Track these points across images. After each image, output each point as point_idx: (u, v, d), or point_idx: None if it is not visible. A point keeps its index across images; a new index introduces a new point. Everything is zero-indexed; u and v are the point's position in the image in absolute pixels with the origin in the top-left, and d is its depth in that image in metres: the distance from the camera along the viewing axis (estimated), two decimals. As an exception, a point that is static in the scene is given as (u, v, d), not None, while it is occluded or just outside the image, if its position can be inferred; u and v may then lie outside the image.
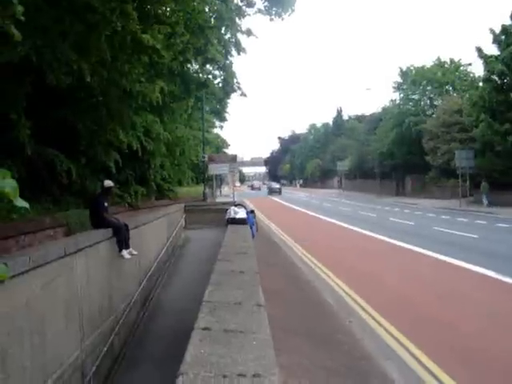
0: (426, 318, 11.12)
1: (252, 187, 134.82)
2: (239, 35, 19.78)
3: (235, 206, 18.64)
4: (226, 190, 76.03)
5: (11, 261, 5.72)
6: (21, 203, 2.47)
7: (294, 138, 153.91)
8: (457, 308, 11.88)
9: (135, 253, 11.23)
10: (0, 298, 5.41)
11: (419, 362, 8.52)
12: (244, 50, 21.00)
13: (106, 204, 11.05)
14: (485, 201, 42.25)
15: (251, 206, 29.59)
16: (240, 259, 7.62)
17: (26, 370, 5.97)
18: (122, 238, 10.72)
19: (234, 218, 16.47)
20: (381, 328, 10.55)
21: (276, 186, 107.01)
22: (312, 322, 10.81)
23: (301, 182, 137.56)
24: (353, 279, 14.77)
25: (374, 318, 11.22)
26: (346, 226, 31.37)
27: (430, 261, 17.74)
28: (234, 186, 45.73)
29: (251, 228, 16.01)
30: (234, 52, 23.22)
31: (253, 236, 14.80)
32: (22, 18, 6.74)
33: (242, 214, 16.92)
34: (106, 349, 9.33)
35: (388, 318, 11.03)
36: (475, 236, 23.58)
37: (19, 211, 12.62)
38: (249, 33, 18.13)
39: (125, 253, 10.64)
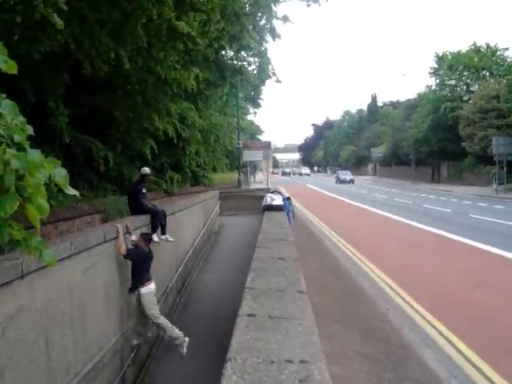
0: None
1: (283, 173, 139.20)
2: (275, 21, 19.60)
3: (271, 192, 18.58)
4: (259, 176, 75.96)
5: (53, 246, 5.80)
6: (71, 191, 2.50)
7: (329, 125, 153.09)
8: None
9: (171, 239, 11.31)
10: (42, 284, 5.51)
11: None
12: (279, 36, 20.78)
13: (143, 190, 11.18)
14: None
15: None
16: (279, 246, 7.61)
17: (67, 354, 6.08)
18: (156, 223, 10.83)
19: (271, 205, 16.41)
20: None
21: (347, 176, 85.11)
22: (350, 309, 10.80)
23: (335, 169, 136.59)
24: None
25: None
26: (381, 212, 31.11)
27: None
28: (269, 173, 45.68)
29: (288, 215, 15.98)
30: (269, 38, 23.02)
31: (289, 223, 14.77)
32: (64, 6, 6.80)
33: (278, 200, 16.85)
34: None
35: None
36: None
37: (57, 198, 12.81)
38: (285, 19, 17.86)
39: (155, 237, 10.72)
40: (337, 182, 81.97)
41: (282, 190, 35.20)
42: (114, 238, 8.13)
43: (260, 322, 3.57)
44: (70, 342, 6.18)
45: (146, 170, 11.56)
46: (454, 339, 9.07)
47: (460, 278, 13.47)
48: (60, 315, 5.96)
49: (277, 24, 21.75)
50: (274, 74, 38.94)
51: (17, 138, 2.49)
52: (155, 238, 10.79)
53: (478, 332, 9.48)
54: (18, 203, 2.45)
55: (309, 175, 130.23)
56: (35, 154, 2.51)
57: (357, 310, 11.02)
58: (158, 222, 10.89)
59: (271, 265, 5.87)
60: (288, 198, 18.86)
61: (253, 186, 45.20)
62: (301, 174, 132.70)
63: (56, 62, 12.23)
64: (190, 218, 16.13)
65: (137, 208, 10.86)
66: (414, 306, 11.14)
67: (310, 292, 4.71)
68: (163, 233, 10.94)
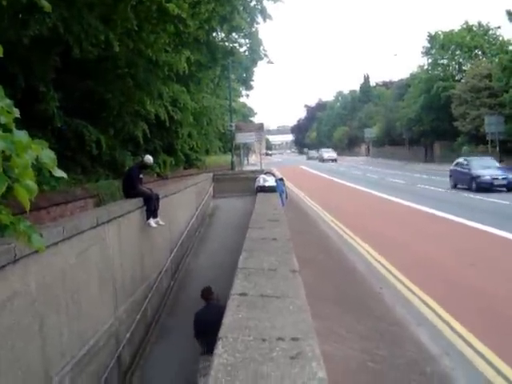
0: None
1: (266, 154, 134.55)
2: (265, 2, 19.49)
3: (264, 174, 18.48)
4: (253, 158, 75.78)
5: (45, 231, 5.80)
6: (59, 173, 2.49)
7: (321, 106, 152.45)
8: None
9: (162, 223, 11.30)
10: (36, 268, 5.52)
11: None
12: (270, 17, 20.73)
13: (141, 176, 11.19)
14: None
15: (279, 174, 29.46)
16: (271, 226, 7.59)
17: (62, 337, 6.11)
18: (151, 208, 10.83)
19: (264, 186, 16.30)
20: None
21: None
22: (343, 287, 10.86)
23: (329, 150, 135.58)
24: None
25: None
26: (374, 192, 31.16)
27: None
28: (261, 154, 45.62)
29: (281, 196, 15.92)
30: (259, 19, 22.92)
31: (282, 204, 14.75)
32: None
33: (271, 181, 16.75)
34: (139, 316, 9.50)
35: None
36: (507, 202, 23.26)
37: (49, 183, 12.77)
38: (275, -1, 17.87)
39: (152, 221, 10.73)
40: (320, 161, 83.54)
41: (275, 171, 35.20)
42: (108, 221, 8.13)
43: (252, 301, 3.58)
44: (65, 326, 6.21)
45: (150, 159, 11.61)
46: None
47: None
48: (54, 300, 5.99)
49: (268, 5, 21.66)
50: (265, 55, 38.90)
51: (3, 120, 2.47)
52: (152, 223, 10.81)
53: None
54: (6, 184, 2.44)
55: (335, 160, 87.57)
56: (22, 135, 2.50)
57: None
58: (153, 206, 10.89)
59: (263, 245, 5.87)
60: (281, 179, 18.82)
61: (246, 168, 45.11)
62: (323, 160, 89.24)
63: (45, 46, 12.11)
64: (183, 200, 16.13)
65: (132, 192, 10.83)
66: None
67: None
68: (154, 216, 10.92)
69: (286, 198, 17.87)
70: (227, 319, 3.18)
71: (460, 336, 8.24)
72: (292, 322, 3.11)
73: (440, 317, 9.18)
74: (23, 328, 5.17)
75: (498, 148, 43.42)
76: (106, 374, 7.50)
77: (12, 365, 4.95)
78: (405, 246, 15.10)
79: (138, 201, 10.39)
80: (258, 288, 3.92)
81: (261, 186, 16.37)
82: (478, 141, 50.12)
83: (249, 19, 23.06)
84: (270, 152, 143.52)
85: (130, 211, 9.59)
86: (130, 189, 10.91)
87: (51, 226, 6.36)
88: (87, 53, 12.27)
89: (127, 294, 9.08)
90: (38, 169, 8.81)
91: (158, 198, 11.10)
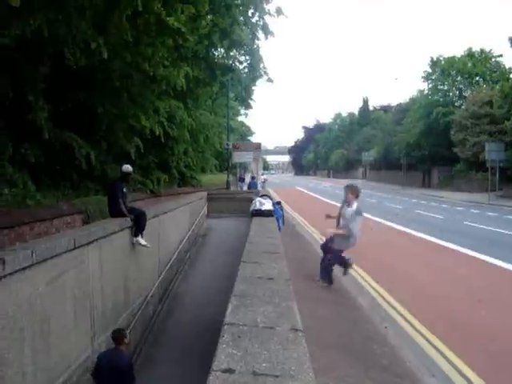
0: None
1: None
2: (267, 17, 18.97)
3: (261, 196, 17.69)
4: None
5: (11, 255, 5.12)
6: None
7: (319, 128, 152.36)
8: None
9: (148, 245, 10.54)
10: (-3, 297, 4.83)
11: None
12: (272, 34, 20.08)
13: (124, 190, 10.42)
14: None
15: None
16: (268, 261, 6.81)
17: (25, 376, 5.39)
18: (143, 224, 10.15)
19: (260, 210, 15.49)
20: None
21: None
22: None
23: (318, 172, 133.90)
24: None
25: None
26: (371, 217, 30.49)
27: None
28: (259, 175, 45.06)
29: (278, 221, 15.15)
30: (261, 36, 22.38)
31: (279, 229, 14.01)
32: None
33: (268, 205, 15.92)
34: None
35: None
36: (509, 232, 22.59)
37: (34, 197, 12.14)
38: (279, 12, 17.28)
39: (140, 239, 10.04)
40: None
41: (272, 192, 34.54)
42: (88, 244, 7.42)
43: (240, 382, 2.80)
44: (29, 363, 5.49)
45: (129, 167, 10.67)
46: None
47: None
48: (18, 333, 5.27)
49: (270, 20, 21.17)
50: (265, 72, 38.48)
51: None
52: (140, 240, 10.12)
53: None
54: None
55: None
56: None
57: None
58: (140, 224, 10.19)
59: (258, 288, 4.99)
60: (278, 203, 18.07)
61: (245, 188, 44.49)
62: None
63: (32, 52, 11.52)
64: (175, 220, 15.45)
65: (116, 209, 10.09)
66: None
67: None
68: (141, 235, 10.21)
69: (283, 223, 17.09)
70: None
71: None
72: None
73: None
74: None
75: (497, 175, 42.98)
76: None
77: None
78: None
79: (124, 221, 9.67)
80: (249, 359, 3.05)
81: (256, 210, 15.55)
82: (478, 168, 49.78)
83: (250, 36, 22.50)
84: (262, 172, 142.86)
85: (113, 232, 8.87)
86: (114, 204, 10.16)
87: (19, 249, 5.64)
88: (77, 60, 11.68)
89: (107, 323, 8.35)
90: (24, 182, 8.11)
91: (145, 217, 10.40)
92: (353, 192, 11.84)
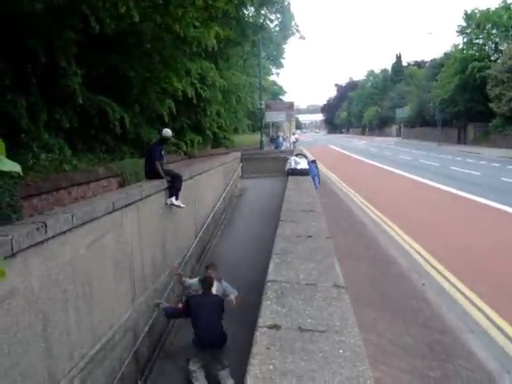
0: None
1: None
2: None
3: (296, 155, 17.54)
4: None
5: (52, 219, 5.19)
6: (7, 165, 1.80)
7: (352, 85, 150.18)
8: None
9: (183, 206, 10.59)
10: (39, 261, 4.93)
11: None
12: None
13: (162, 153, 10.48)
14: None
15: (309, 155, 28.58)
16: (306, 219, 6.75)
17: (70, 335, 5.53)
18: (178, 186, 10.20)
19: (296, 169, 15.34)
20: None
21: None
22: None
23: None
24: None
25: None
26: (407, 175, 30.15)
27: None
28: (293, 134, 44.81)
29: (313, 179, 15.01)
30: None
31: (315, 188, 13.92)
32: None
33: (303, 164, 15.77)
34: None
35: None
36: None
37: (70, 162, 12.27)
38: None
39: (174, 200, 10.09)
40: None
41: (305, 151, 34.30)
42: (126, 206, 7.48)
43: (287, 339, 2.72)
44: (74, 323, 5.63)
45: (168, 132, 10.74)
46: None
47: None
48: (61, 295, 5.39)
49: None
50: (297, 30, 37.88)
51: None
52: (174, 201, 10.17)
53: None
54: None
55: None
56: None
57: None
58: (179, 185, 10.25)
59: (298, 245, 4.95)
60: (313, 161, 17.94)
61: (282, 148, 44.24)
62: None
63: (62, 17, 11.46)
64: (210, 181, 15.48)
65: (152, 171, 10.15)
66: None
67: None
68: (177, 197, 10.26)
69: (319, 181, 16.96)
70: (252, 373, 2.41)
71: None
72: (346, 382, 2.32)
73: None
74: (23, 329, 4.60)
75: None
76: (121, 371, 6.93)
77: (9, 371, 4.38)
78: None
79: (160, 182, 9.73)
80: (293, 315, 3.14)
81: (292, 169, 15.45)
82: (515, 123, 48.73)
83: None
84: (293, 131, 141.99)
85: (150, 194, 8.93)
86: (151, 167, 10.22)
87: (59, 213, 5.71)
88: (106, 26, 11.63)
89: (147, 283, 8.48)
90: (60, 147, 8.19)
91: (180, 179, 10.45)
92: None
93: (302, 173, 15.02)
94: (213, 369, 7.67)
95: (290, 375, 2.45)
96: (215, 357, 7.59)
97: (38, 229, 4.87)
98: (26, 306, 4.67)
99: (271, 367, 2.53)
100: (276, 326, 2.97)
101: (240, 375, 2.86)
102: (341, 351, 2.70)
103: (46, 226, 4.98)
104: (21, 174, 2.91)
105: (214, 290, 8.11)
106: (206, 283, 7.95)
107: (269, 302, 3.36)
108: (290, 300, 3.44)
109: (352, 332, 2.90)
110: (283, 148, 39.72)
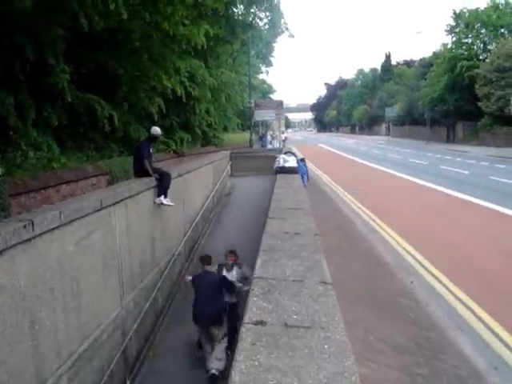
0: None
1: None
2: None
3: (285, 153, 17.55)
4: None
5: (39, 217, 5.18)
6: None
7: (341, 84, 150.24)
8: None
9: (171, 204, 10.58)
10: (26, 259, 4.90)
11: None
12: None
13: (150, 151, 10.49)
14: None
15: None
16: (294, 216, 6.78)
17: (58, 333, 5.51)
18: (167, 185, 10.20)
19: (284, 167, 15.37)
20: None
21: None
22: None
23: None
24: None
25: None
26: (397, 174, 30.25)
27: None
28: (282, 133, 44.88)
29: (302, 177, 15.05)
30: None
31: (304, 186, 13.95)
32: None
33: (292, 162, 15.76)
34: (147, 305, 8.90)
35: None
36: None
37: (59, 160, 12.22)
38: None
39: (163, 199, 10.09)
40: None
41: (294, 149, 34.31)
42: (114, 204, 7.47)
43: (272, 334, 2.73)
44: (61, 321, 5.61)
45: (157, 130, 10.79)
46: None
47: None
48: (49, 293, 5.37)
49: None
50: (286, 28, 37.82)
51: None
52: (163, 200, 10.16)
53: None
54: None
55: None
56: None
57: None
58: (168, 183, 10.24)
59: (285, 243, 4.98)
60: (302, 160, 17.96)
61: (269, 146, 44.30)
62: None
63: (51, 14, 11.40)
64: (199, 179, 15.49)
65: (141, 169, 10.15)
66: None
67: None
68: (166, 195, 10.26)
69: (308, 179, 17.00)
70: (237, 369, 2.43)
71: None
72: (331, 377, 2.33)
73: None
74: (9, 328, 4.58)
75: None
76: (110, 369, 6.93)
77: (-3, 370, 4.36)
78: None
79: (149, 180, 9.72)
80: (279, 312, 3.16)
81: (281, 167, 15.46)
82: (503, 122, 48.91)
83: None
84: (283, 130, 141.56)
85: (139, 192, 8.92)
86: (140, 165, 10.22)
87: (47, 210, 5.69)
88: (95, 24, 11.59)
89: (135, 282, 8.47)
90: (48, 145, 8.14)
91: (169, 177, 10.45)
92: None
93: (291, 171, 15.05)
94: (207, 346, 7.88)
95: (274, 370, 2.46)
96: (209, 333, 7.91)
97: (25, 226, 4.85)
98: (13, 304, 4.65)
99: (256, 363, 2.54)
100: (262, 322, 2.99)
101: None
102: (326, 347, 2.71)
103: (33, 224, 4.96)
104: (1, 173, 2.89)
105: (228, 275, 8.61)
106: (205, 262, 8.70)
107: (255, 299, 3.37)
108: (277, 296, 3.45)
109: (338, 328, 2.92)
110: (270, 146, 39.86)
